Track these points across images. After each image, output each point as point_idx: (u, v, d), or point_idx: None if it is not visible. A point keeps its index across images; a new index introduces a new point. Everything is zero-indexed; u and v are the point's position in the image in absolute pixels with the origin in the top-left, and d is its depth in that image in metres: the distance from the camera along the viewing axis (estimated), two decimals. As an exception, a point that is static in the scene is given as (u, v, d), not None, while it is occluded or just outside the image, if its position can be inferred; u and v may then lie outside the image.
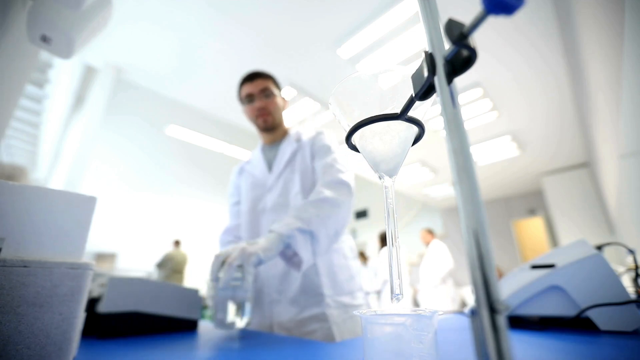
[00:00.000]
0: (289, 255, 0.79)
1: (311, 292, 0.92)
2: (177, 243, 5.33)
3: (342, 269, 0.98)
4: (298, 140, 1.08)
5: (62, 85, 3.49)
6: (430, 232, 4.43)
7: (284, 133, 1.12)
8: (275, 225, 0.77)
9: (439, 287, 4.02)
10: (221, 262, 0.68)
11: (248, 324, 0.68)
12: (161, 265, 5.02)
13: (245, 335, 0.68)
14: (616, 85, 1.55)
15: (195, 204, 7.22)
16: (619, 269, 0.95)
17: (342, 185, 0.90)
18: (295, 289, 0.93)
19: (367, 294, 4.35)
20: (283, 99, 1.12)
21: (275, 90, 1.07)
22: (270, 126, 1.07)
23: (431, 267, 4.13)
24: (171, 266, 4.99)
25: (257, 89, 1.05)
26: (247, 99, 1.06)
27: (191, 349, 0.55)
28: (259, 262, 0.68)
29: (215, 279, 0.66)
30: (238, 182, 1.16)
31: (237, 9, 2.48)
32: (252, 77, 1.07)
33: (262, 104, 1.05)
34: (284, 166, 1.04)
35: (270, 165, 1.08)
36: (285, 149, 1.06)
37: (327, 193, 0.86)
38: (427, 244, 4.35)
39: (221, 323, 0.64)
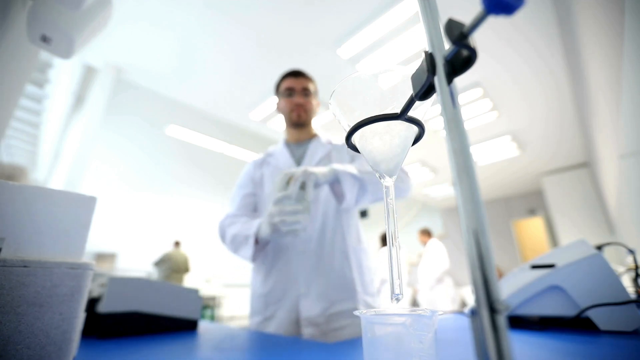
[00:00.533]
0: (337, 192, 0.88)
1: (344, 287, 0.93)
2: (177, 244, 5.33)
3: (368, 270, 1.03)
4: (330, 143, 1.12)
5: (62, 85, 3.49)
6: (427, 232, 4.44)
7: (311, 134, 1.15)
8: (335, 164, 0.87)
9: (435, 288, 4.03)
10: (287, 180, 0.79)
11: (304, 227, 0.79)
12: (159, 264, 5.02)
13: (245, 335, 0.68)
14: (616, 85, 1.55)
15: (195, 204, 7.22)
16: (619, 269, 0.95)
17: (405, 172, 0.96)
18: (326, 283, 0.92)
19: None
20: (317, 103, 1.16)
21: (313, 93, 1.12)
22: (302, 122, 1.10)
23: (428, 267, 4.13)
24: (170, 266, 4.99)
25: (300, 86, 1.09)
26: (287, 92, 1.09)
27: (191, 349, 0.55)
28: (317, 183, 0.80)
29: (282, 190, 0.79)
30: (256, 173, 1.13)
31: (237, 9, 2.49)
32: (297, 74, 1.12)
33: (301, 100, 1.09)
34: (315, 164, 1.05)
35: (298, 163, 1.09)
36: (317, 149, 1.09)
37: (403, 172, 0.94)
38: (425, 244, 4.36)
39: (288, 226, 0.76)
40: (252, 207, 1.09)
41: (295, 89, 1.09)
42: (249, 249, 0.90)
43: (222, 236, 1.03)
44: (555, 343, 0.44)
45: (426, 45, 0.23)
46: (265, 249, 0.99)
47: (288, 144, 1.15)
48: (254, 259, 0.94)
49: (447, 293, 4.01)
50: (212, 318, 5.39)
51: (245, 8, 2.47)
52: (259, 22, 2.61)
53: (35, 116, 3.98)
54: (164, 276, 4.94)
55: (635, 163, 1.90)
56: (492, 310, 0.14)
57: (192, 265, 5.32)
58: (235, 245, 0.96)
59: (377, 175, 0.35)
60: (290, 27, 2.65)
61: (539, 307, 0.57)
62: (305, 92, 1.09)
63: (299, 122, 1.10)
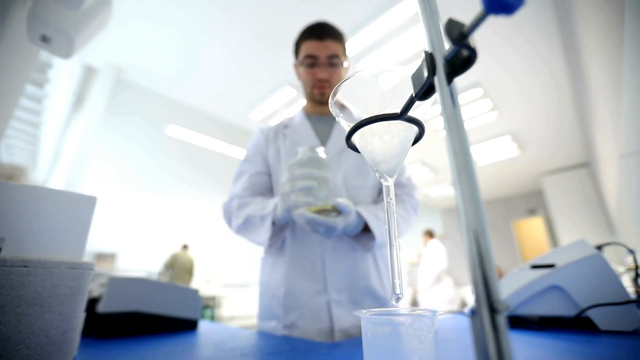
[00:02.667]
0: (360, 238, 0.78)
1: (374, 292, 0.82)
2: (185, 247, 5.38)
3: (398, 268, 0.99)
4: None
5: (62, 85, 3.50)
6: (429, 233, 4.49)
7: None
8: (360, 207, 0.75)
9: (434, 288, 4.07)
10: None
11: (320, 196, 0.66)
12: (170, 265, 5.05)
13: (246, 335, 0.68)
14: (616, 85, 1.55)
15: (196, 204, 7.22)
16: (619, 269, 0.95)
17: (418, 206, 0.90)
18: (363, 289, 0.80)
19: None
20: (346, 68, 0.93)
21: (343, 59, 0.89)
22: (327, 100, 0.89)
23: (426, 267, 4.18)
24: (179, 266, 5.03)
25: (325, 53, 0.85)
26: (308, 61, 0.86)
27: (191, 349, 0.55)
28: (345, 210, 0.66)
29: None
30: (270, 149, 0.93)
31: (236, 9, 2.49)
32: (322, 34, 0.85)
33: (326, 75, 0.86)
34: (344, 147, 0.89)
35: (322, 142, 0.91)
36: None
37: (413, 207, 0.88)
38: (425, 244, 4.41)
39: (298, 191, 0.64)
40: (264, 188, 0.91)
41: (319, 58, 0.85)
42: (265, 231, 0.76)
43: (229, 220, 0.87)
44: (555, 343, 0.44)
45: (426, 45, 0.23)
46: (284, 238, 0.84)
47: (308, 116, 0.94)
48: (271, 244, 0.80)
49: (446, 293, 4.04)
50: (212, 318, 5.38)
51: (244, 8, 2.47)
52: (258, 22, 2.61)
53: (35, 116, 3.98)
54: (173, 276, 4.96)
55: (635, 163, 1.90)
56: (492, 310, 0.14)
57: (196, 270, 5.34)
58: (248, 228, 0.81)
59: (378, 174, 0.35)
60: (290, 27, 2.65)
61: (539, 307, 0.57)
62: (333, 62, 0.85)
63: (322, 100, 0.89)
